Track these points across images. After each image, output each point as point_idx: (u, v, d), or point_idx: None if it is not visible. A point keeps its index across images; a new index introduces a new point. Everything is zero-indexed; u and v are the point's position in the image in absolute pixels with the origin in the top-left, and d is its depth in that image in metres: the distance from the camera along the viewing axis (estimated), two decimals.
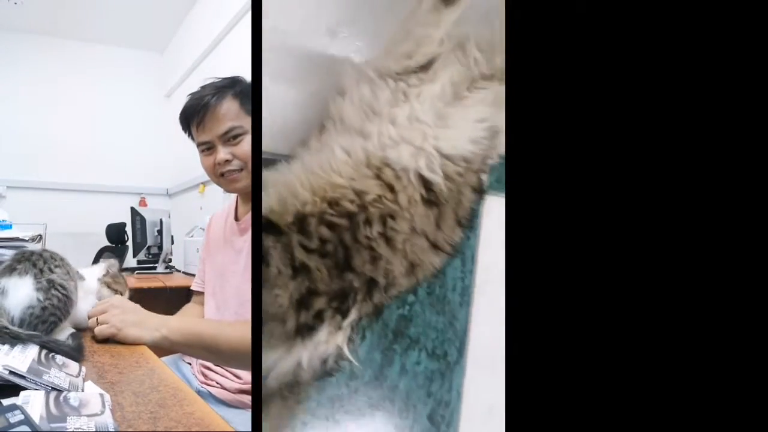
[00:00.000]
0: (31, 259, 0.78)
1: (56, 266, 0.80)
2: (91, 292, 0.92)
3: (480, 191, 0.84)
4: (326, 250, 0.72)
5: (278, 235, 0.72)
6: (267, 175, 0.78)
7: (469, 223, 0.84)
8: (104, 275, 0.96)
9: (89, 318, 0.86)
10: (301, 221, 0.72)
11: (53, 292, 0.76)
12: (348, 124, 0.79)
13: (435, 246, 0.79)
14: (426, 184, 0.76)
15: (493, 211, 0.90)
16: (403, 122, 0.77)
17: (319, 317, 0.72)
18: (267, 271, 0.71)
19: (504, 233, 0.66)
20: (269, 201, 0.74)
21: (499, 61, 0.81)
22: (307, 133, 0.83)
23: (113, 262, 1.00)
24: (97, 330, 0.83)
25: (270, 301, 0.71)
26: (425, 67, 0.81)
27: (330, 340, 0.74)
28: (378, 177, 0.75)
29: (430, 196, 0.76)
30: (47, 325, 0.74)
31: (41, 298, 0.74)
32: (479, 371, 0.86)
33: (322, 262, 0.72)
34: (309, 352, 0.73)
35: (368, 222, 0.73)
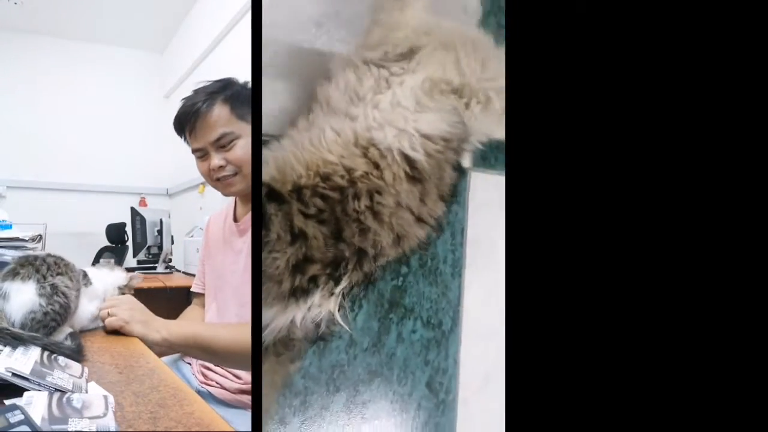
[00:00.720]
0: (35, 264, 0.79)
1: (59, 273, 0.80)
2: (99, 297, 0.93)
3: (459, 168, 0.90)
4: (323, 218, 0.78)
5: (280, 203, 0.78)
6: (263, 153, 0.83)
7: (451, 197, 0.89)
8: (124, 285, 0.98)
9: (101, 311, 0.91)
10: (298, 191, 0.78)
11: (55, 298, 0.76)
12: (334, 107, 0.85)
13: (419, 219, 0.84)
14: (409, 161, 0.81)
15: (478, 187, 0.94)
16: (386, 107, 0.83)
17: (313, 281, 0.78)
18: (267, 235, 0.77)
19: (490, 208, 0.73)
20: (269, 170, 0.79)
21: (488, 76, 0.85)
22: (296, 115, 0.89)
23: (136, 276, 1.03)
24: (107, 321, 0.89)
25: (268, 263, 0.76)
26: (406, 56, 0.85)
27: (323, 304, 0.79)
28: (365, 155, 0.80)
29: (414, 173, 0.81)
30: (47, 330, 0.74)
31: (43, 303, 0.75)
32: (474, 340, 0.90)
33: (318, 229, 0.77)
34: (302, 313, 0.78)
35: (357, 196, 0.79)
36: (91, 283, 0.91)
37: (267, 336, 0.78)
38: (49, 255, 0.83)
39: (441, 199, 0.87)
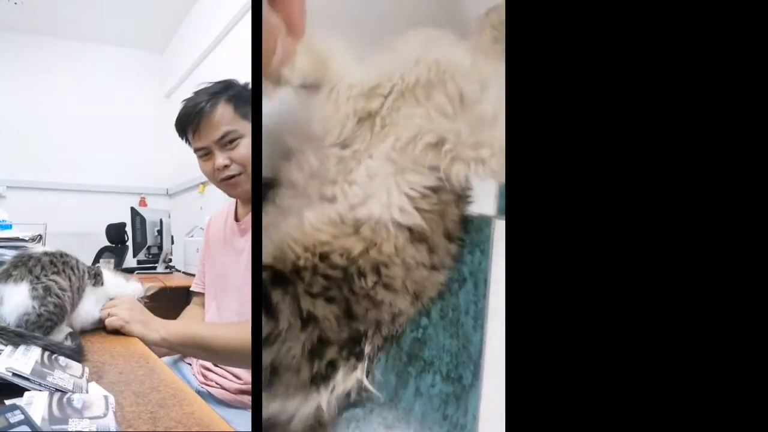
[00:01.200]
0: (28, 265, 0.78)
1: (54, 272, 0.79)
2: (107, 298, 0.92)
3: (462, 202, 0.82)
4: (330, 296, 0.72)
5: (285, 284, 0.72)
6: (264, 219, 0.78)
7: (463, 234, 0.84)
8: (142, 298, 0.98)
9: (101, 311, 0.91)
10: (298, 272, 0.72)
11: (49, 299, 0.75)
12: (304, 190, 0.78)
13: (434, 268, 0.79)
14: (407, 227, 0.75)
15: (502, 238, 0.90)
16: (363, 180, 0.76)
17: (332, 365, 0.73)
18: (277, 325, 0.70)
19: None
20: (268, 249, 0.74)
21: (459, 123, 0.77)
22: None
23: (151, 288, 1.03)
24: (107, 321, 0.89)
25: (283, 354, 0.70)
26: (364, 124, 0.78)
27: (347, 379, 0.74)
28: (357, 233, 0.74)
29: (415, 236, 0.76)
30: (43, 330, 0.74)
31: (36, 305, 0.74)
32: (495, 396, 0.85)
33: (328, 308, 0.72)
34: (327, 396, 0.73)
35: (362, 274, 0.73)
36: (102, 284, 0.90)
37: (296, 426, 0.73)
38: (45, 253, 0.82)
39: (451, 241, 0.80)
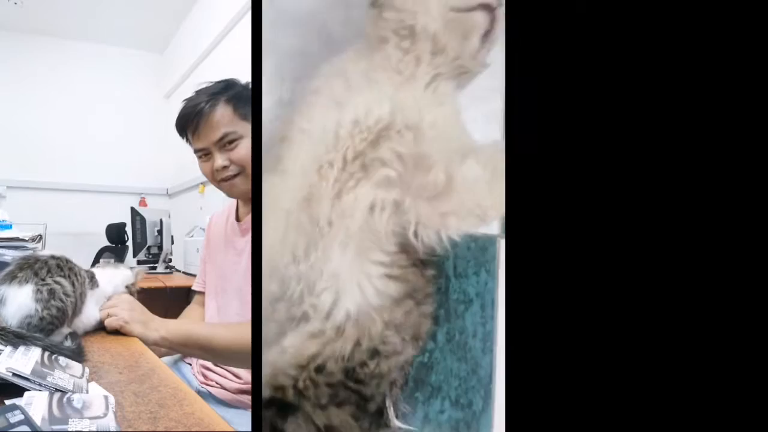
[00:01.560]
0: (34, 268, 0.78)
1: (61, 275, 0.79)
2: (105, 298, 0.93)
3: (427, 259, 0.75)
4: (340, 400, 0.70)
5: (294, 411, 0.69)
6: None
7: (436, 263, 0.78)
8: (132, 284, 0.97)
9: (101, 311, 0.90)
10: (302, 393, 0.70)
11: (53, 302, 0.75)
12: (270, 317, 0.74)
13: (419, 304, 0.74)
14: (387, 299, 0.71)
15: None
16: (329, 285, 0.70)
17: None
18: None
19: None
20: (266, 377, 0.71)
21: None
22: None
23: (140, 271, 1.02)
24: (107, 321, 0.89)
25: None
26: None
27: None
28: (341, 336, 0.70)
29: (398, 299, 0.71)
30: (44, 333, 0.74)
31: (39, 308, 0.74)
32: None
33: (343, 412, 0.70)
34: None
35: (362, 364, 0.70)
36: (98, 286, 0.90)
37: None
38: (52, 257, 0.82)
39: (426, 267, 0.75)
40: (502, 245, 0.88)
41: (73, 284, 0.80)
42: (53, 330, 0.76)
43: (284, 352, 0.70)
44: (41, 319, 0.73)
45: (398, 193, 0.68)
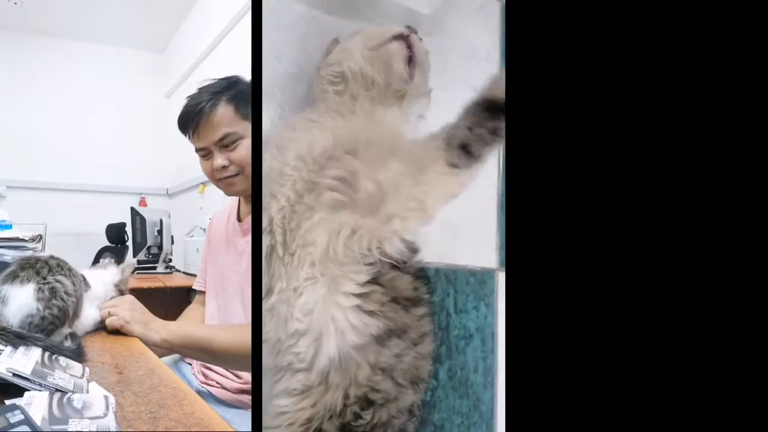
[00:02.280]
0: (35, 267, 0.78)
1: (62, 274, 0.79)
2: (98, 298, 0.92)
3: (406, 266, 0.73)
4: None
5: None
6: None
7: (423, 285, 0.75)
8: (120, 280, 0.97)
9: (101, 309, 0.91)
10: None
11: (54, 302, 0.76)
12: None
13: (415, 344, 0.72)
14: (368, 338, 0.69)
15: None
16: (304, 326, 0.68)
17: None
18: None
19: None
20: None
21: None
22: None
23: (130, 264, 1.01)
24: (108, 321, 0.90)
25: None
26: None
27: None
28: (327, 384, 0.68)
29: (381, 337, 0.69)
30: (45, 333, 0.74)
31: (41, 307, 0.74)
32: None
33: None
34: None
35: (357, 416, 0.68)
36: (90, 287, 0.90)
37: None
38: (52, 257, 0.82)
39: (416, 305, 0.73)
40: (500, 278, 0.88)
41: (74, 283, 0.81)
42: (54, 330, 0.76)
43: (280, 414, 0.69)
44: (43, 318, 0.74)
45: (349, 215, 0.69)
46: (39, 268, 0.78)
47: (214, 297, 1.13)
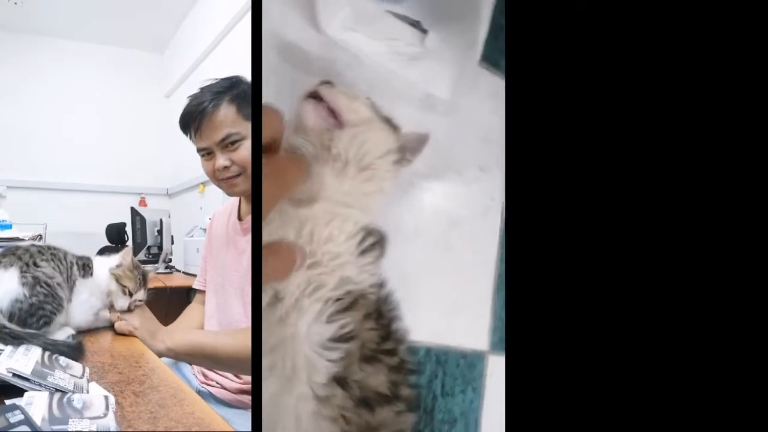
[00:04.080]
0: (17, 254, 0.79)
1: (44, 260, 0.79)
2: (100, 287, 0.90)
3: (375, 316, 0.64)
4: None
5: None
6: None
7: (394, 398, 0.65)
8: (117, 266, 0.93)
9: (110, 312, 0.92)
10: None
11: (38, 288, 0.76)
12: None
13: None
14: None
15: (496, 373, 0.85)
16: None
17: None
18: None
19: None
20: None
21: None
22: None
23: (128, 251, 0.97)
24: (117, 325, 0.91)
25: None
26: None
27: None
28: None
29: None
30: (36, 320, 0.74)
31: (27, 293, 0.74)
32: None
33: None
34: None
35: None
36: (92, 275, 0.89)
37: None
38: (33, 245, 0.82)
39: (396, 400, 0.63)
40: (490, 361, 0.85)
41: (57, 268, 0.80)
42: (46, 317, 0.75)
43: None
44: (31, 305, 0.74)
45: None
46: (20, 254, 0.78)
47: (214, 295, 1.13)
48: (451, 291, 0.87)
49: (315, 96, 0.69)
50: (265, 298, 0.58)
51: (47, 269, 0.79)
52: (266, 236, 0.60)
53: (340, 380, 0.59)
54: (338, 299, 0.60)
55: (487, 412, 0.85)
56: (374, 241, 0.66)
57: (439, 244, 0.87)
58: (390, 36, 0.81)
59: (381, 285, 0.66)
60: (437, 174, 0.87)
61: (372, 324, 0.63)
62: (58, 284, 0.79)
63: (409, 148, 0.73)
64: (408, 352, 0.66)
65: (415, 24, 0.82)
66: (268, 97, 0.71)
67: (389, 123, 0.72)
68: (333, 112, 0.69)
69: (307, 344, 0.58)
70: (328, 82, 0.71)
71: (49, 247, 0.84)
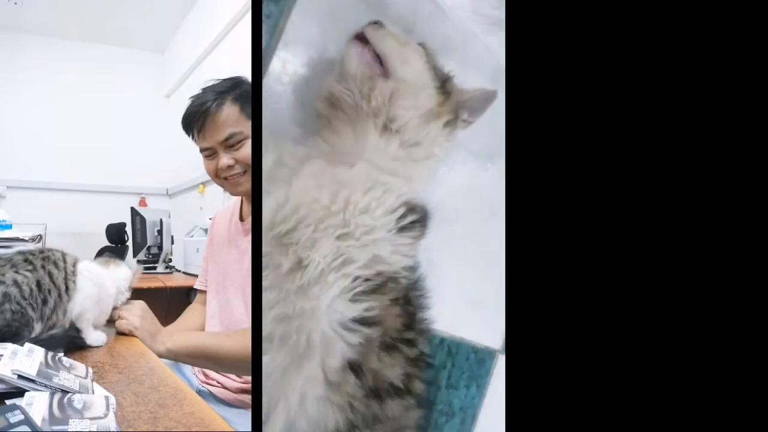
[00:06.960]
0: None
1: (29, 270, 0.74)
2: (110, 297, 0.89)
3: (408, 302, 0.63)
4: None
5: None
6: None
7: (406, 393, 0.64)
8: (131, 284, 0.96)
9: (114, 310, 0.92)
10: None
11: (7, 305, 0.71)
12: None
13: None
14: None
15: (502, 373, 0.84)
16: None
17: None
18: None
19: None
20: None
21: None
22: None
23: (138, 270, 0.99)
24: (118, 324, 0.92)
25: None
26: None
27: None
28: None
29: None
30: (11, 339, 0.69)
31: None
32: None
33: None
34: None
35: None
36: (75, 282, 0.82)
37: None
38: (19, 252, 0.77)
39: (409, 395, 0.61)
40: (500, 360, 0.84)
41: (50, 274, 0.75)
42: (18, 336, 0.71)
43: None
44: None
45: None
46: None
47: (215, 295, 1.13)
48: (476, 284, 0.85)
49: (361, 38, 0.63)
50: (287, 263, 0.55)
51: (25, 283, 0.73)
52: (297, 196, 0.55)
53: (355, 367, 0.56)
54: (367, 279, 0.57)
55: (486, 411, 0.85)
56: (415, 219, 0.61)
57: (474, 232, 0.84)
58: None
59: (413, 269, 0.62)
60: (492, 155, 0.81)
61: (398, 311, 0.59)
62: (26, 305, 0.73)
63: (469, 107, 0.66)
64: (427, 343, 0.63)
65: None
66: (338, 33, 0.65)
67: (444, 81, 0.65)
68: (379, 58, 0.63)
69: (327, 321, 0.54)
70: (376, 23, 0.64)
71: (41, 251, 0.79)
